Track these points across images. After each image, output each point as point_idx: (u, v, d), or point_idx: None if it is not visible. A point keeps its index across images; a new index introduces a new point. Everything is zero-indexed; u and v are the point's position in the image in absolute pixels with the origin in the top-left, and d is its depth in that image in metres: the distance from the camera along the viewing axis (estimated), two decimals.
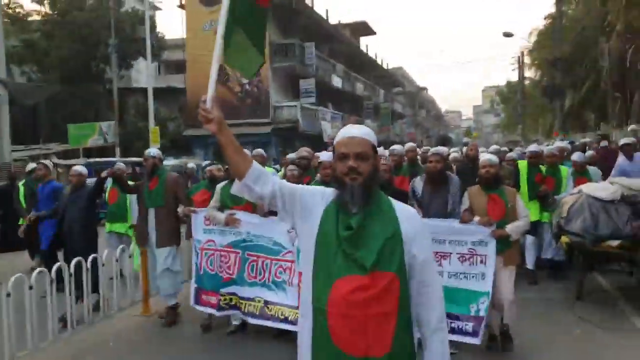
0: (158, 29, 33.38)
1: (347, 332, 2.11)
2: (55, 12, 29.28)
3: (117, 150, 24.19)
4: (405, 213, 2.27)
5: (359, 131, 2.27)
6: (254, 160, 2.32)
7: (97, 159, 17.23)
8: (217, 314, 5.98)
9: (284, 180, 2.39)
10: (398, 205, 2.29)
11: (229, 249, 5.91)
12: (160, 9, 43.64)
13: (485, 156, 5.51)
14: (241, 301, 5.81)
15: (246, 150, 7.33)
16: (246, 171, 2.28)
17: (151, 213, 6.54)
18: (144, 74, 32.87)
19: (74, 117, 26.64)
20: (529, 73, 44.05)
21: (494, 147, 11.48)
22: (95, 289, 6.37)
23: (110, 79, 28.57)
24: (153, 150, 6.86)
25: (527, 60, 41.82)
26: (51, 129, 27.24)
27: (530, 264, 7.82)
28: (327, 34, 36.54)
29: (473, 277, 5.06)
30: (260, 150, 8.63)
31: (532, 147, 8.45)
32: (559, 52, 25.05)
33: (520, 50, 41.04)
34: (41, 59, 28.73)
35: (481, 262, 5.03)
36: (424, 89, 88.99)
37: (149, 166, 6.65)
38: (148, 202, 6.58)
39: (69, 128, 21.24)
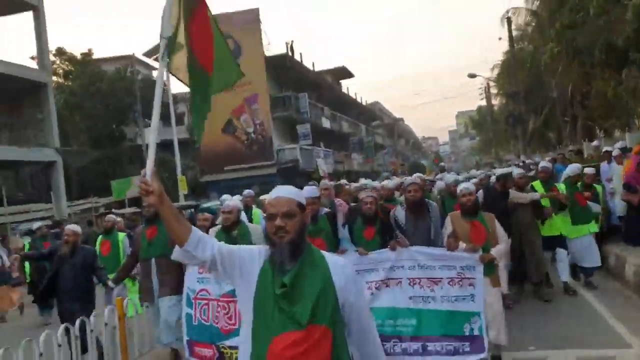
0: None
1: None
2: (75, 84, 33.51)
3: None
4: (336, 264, 2.42)
5: (285, 191, 2.46)
6: (193, 227, 2.43)
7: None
8: None
9: (222, 243, 2.48)
10: (329, 257, 2.45)
11: (228, 298, 5.62)
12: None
13: (463, 185, 5.90)
14: None
15: (249, 191, 9.16)
16: (187, 238, 2.37)
17: (152, 264, 6.37)
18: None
19: (102, 175, 30.58)
20: (495, 101, 49.10)
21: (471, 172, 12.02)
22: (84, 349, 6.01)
23: (130, 138, 32.81)
24: None
25: (493, 90, 46.85)
26: (82, 186, 31.13)
27: (565, 276, 8.05)
28: (314, 82, 41.22)
29: (464, 299, 5.32)
30: (249, 191, 8.82)
31: (543, 164, 8.93)
32: (515, 86, 29.73)
33: (485, 82, 45.96)
34: (63, 126, 32.92)
35: (470, 285, 5.31)
36: (400, 119, 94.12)
37: (151, 213, 6.39)
38: (147, 252, 6.38)
39: (112, 183, 24.97)
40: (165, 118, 33.58)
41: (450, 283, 5.36)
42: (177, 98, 36.58)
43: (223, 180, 33.08)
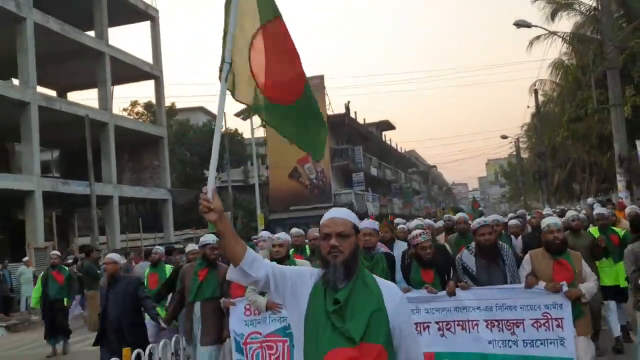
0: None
1: None
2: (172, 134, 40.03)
3: None
4: (388, 289, 2.47)
5: (340, 213, 2.54)
6: (249, 247, 2.52)
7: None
8: None
9: (275, 263, 2.61)
10: (381, 282, 2.50)
11: (274, 337, 5.50)
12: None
13: (549, 220, 5.34)
14: None
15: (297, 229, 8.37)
16: (242, 257, 2.46)
17: (197, 307, 6.13)
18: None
19: (188, 211, 36.50)
20: (525, 155, 54.17)
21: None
22: None
23: None
24: (213, 237, 6.16)
25: (523, 145, 52.09)
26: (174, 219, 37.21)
27: (616, 330, 7.23)
28: (364, 135, 47.35)
29: (551, 343, 4.76)
30: (298, 230, 8.29)
31: (599, 210, 8.10)
32: (541, 146, 35.08)
33: (515, 137, 51.21)
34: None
35: (558, 326, 4.75)
36: (434, 167, 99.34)
37: (210, 256, 6.20)
38: (197, 295, 6.12)
39: None
40: (245, 161, 39.67)
41: (535, 325, 4.86)
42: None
43: (288, 219, 38.76)
